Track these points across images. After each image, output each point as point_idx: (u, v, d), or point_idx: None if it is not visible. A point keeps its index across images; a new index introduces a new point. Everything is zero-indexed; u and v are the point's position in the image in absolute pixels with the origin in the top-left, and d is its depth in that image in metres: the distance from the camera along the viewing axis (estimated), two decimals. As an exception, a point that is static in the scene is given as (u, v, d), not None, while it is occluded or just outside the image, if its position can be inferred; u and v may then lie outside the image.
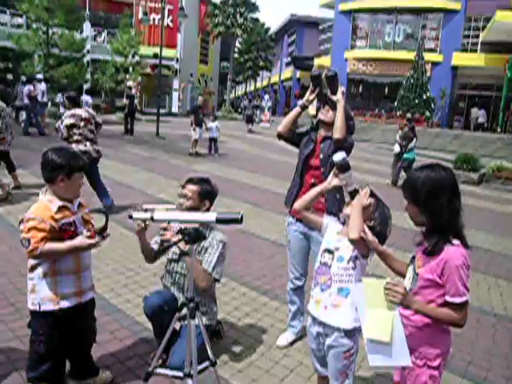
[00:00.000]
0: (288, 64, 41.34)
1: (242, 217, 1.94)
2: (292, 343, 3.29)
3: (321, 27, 35.52)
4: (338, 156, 2.08)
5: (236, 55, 38.64)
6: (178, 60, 29.14)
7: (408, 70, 23.78)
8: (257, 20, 34.67)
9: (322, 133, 3.03)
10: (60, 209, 2.30)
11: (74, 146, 5.75)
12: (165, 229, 2.67)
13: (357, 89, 29.55)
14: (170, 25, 28.29)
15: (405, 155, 10.40)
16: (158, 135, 16.17)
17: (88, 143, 5.94)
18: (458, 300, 1.73)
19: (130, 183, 8.24)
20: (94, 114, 6.24)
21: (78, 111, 5.97)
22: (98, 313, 3.44)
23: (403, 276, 1.99)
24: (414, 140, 10.48)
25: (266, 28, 39.72)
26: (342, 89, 2.88)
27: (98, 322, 2.78)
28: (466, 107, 26.66)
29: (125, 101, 16.20)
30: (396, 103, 23.96)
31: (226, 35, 33.88)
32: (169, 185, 8.30)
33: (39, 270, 2.32)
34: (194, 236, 2.04)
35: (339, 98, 2.85)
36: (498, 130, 23.20)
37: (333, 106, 2.91)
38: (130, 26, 23.88)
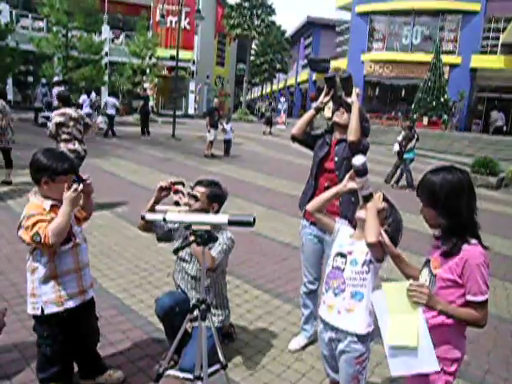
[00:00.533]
0: (304, 66, 41.29)
1: (254, 219, 1.93)
2: (304, 347, 3.25)
3: (337, 29, 35.33)
4: (359, 160, 2.02)
5: (252, 57, 38.75)
6: (194, 62, 29.40)
7: (425, 73, 23.52)
8: (273, 22, 34.74)
9: (336, 135, 3.00)
10: (52, 208, 2.27)
11: (62, 144, 5.87)
12: (176, 191, 2.71)
13: (373, 91, 29.37)
14: (187, 27, 28.58)
15: (405, 155, 10.75)
16: (173, 136, 16.32)
17: (76, 142, 6.04)
18: (479, 298, 1.73)
19: (144, 184, 8.30)
20: (83, 115, 6.33)
21: (68, 110, 6.06)
22: (111, 312, 3.50)
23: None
24: (414, 140, 10.82)
25: (282, 30, 39.74)
26: (356, 91, 2.85)
27: (110, 322, 2.82)
28: (485, 110, 26.21)
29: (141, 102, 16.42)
30: (413, 106, 23.72)
31: (242, 37, 34.03)
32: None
33: (40, 273, 2.29)
34: (206, 238, 2.03)
35: (354, 99, 2.82)
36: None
37: (347, 108, 2.87)
38: (147, 28, 24.14)
